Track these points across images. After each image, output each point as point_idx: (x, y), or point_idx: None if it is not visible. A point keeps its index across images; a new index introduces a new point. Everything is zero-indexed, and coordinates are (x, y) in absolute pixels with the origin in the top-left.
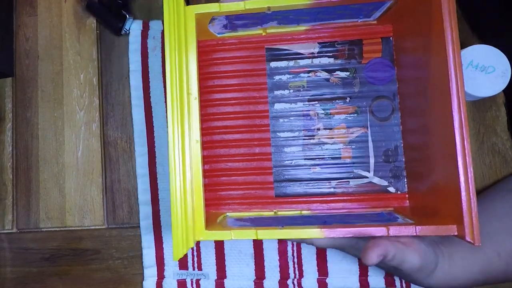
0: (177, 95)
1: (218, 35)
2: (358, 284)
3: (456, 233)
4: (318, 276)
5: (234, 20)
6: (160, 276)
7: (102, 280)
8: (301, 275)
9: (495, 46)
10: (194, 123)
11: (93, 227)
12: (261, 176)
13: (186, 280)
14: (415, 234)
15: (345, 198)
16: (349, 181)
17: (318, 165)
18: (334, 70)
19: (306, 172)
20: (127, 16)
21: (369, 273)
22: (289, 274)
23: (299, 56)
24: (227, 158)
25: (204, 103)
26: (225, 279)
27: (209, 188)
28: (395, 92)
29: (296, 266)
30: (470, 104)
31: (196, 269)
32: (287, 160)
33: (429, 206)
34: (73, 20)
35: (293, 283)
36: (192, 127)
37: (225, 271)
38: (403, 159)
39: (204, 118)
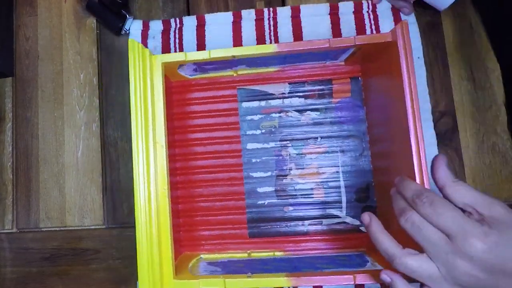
0: (142, 143)
1: (190, 77)
2: None
3: None
4: None
5: (203, 65)
6: None
7: (102, 280)
8: None
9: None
10: (160, 170)
11: (93, 227)
12: (235, 216)
13: None
14: (382, 282)
15: (318, 237)
16: (322, 221)
17: (291, 204)
18: (305, 110)
19: (279, 212)
20: (127, 16)
21: None
22: None
23: (270, 96)
24: (201, 198)
25: (179, 143)
26: None
27: (184, 229)
28: (365, 131)
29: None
30: (470, 104)
31: None
32: (260, 200)
33: (401, 245)
34: (73, 20)
35: None
36: (159, 175)
37: None
38: (375, 199)
39: (178, 158)
